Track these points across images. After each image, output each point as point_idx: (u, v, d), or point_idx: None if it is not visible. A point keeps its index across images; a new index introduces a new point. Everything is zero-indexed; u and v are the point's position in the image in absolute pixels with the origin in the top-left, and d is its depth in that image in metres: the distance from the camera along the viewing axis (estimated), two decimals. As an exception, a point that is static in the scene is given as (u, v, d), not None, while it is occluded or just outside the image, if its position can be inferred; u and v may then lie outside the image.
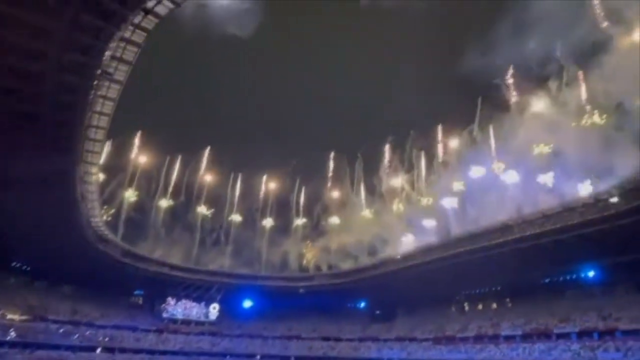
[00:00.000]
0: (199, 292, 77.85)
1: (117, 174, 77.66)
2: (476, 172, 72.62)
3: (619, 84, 54.95)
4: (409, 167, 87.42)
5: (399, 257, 71.16)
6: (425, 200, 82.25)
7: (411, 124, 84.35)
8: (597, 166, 55.84)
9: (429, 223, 77.76)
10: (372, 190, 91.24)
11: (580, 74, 65.07)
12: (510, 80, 72.96)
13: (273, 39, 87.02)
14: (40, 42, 24.35)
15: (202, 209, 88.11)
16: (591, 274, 54.03)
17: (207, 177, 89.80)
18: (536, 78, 69.08)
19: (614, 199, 43.06)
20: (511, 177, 67.40)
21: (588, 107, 63.21)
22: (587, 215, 45.56)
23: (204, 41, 79.31)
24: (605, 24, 60.16)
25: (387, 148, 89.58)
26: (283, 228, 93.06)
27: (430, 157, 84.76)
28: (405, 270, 67.24)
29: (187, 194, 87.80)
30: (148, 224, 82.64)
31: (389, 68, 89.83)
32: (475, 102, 77.08)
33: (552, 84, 67.66)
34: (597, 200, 44.96)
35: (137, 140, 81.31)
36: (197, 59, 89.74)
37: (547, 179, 63.06)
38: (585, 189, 56.15)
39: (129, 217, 79.02)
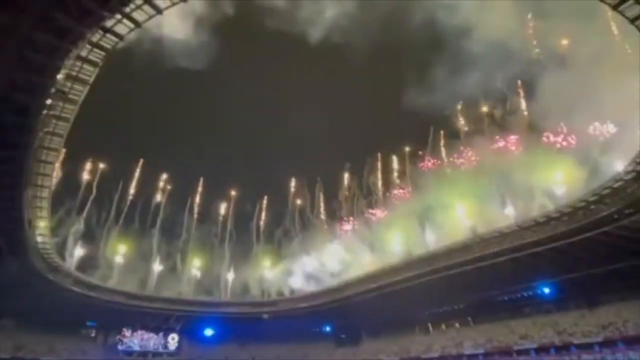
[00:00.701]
0: (157, 321, 74.01)
1: (65, 201, 73.83)
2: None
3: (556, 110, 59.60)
4: (367, 193, 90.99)
5: (362, 278, 71.23)
6: (384, 220, 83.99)
7: (367, 152, 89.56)
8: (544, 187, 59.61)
9: (390, 243, 78.80)
10: (332, 214, 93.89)
11: (522, 102, 70.54)
12: (459, 114, 79.11)
13: (226, 73, 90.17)
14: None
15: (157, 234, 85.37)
16: (546, 290, 56.12)
17: (163, 202, 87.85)
18: (483, 106, 75.04)
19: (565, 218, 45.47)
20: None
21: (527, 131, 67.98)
22: (540, 233, 47.72)
23: (160, 71, 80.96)
24: (539, 56, 66.26)
25: (345, 175, 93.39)
26: (243, 253, 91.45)
27: (387, 182, 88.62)
28: (369, 292, 67.25)
29: (141, 220, 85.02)
30: (99, 253, 78.58)
31: (342, 100, 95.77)
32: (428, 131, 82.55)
33: (497, 112, 73.09)
34: (549, 219, 47.21)
35: (87, 166, 78.63)
36: (152, 88, 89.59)
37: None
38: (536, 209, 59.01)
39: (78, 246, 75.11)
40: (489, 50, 66.99)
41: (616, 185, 39.51)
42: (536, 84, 65.41)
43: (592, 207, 42.60)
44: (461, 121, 78.75)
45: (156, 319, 73.68)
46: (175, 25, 63.43)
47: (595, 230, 42.06)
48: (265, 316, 78.29)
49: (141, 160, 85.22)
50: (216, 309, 78.40)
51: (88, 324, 73.82)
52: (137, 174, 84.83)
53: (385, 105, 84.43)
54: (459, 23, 69.54)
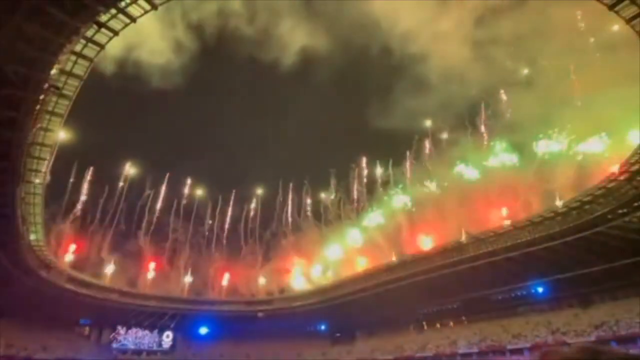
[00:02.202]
0: (152, 319, 73.69)
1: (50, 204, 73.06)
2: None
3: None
4: (353, 197, 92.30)
5: (357, 277, 71.28)
6: (374, 222, 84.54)
7: (352, 159, 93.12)
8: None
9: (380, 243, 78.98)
10: (319, 217, 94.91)
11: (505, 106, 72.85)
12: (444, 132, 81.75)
13: (200, 94, 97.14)
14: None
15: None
16: (540, 290, 56.39)
17: (149, 203, 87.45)
18: (462, 116, 77.78)
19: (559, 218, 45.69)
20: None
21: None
22: (534, 233, 47.93)
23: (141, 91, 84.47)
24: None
25: (331, 179, 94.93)
26: (232, 253, 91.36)
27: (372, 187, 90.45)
28: (365, 290, 67.33)
29: (128, 221, 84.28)
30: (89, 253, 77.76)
31: (328, 115, 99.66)
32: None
33: (476, 120, 75.65)
34: (544, 219, 47.41)
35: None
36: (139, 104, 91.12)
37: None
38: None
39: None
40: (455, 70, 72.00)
41: (610, 185, 39.73)
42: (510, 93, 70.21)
43: (586, 207, 42.83)
44: (442, 133, 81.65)
45: (151, 317, 73.37)
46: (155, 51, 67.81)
47: (589, 230, 42.33)
48: (260, 314, 78.22)
49: (128, 163, 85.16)
50: (211, 307, 78.18)
51: (81, 321, 73.32)
52: (126, 177, 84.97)
53: (365, 118, 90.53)
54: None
